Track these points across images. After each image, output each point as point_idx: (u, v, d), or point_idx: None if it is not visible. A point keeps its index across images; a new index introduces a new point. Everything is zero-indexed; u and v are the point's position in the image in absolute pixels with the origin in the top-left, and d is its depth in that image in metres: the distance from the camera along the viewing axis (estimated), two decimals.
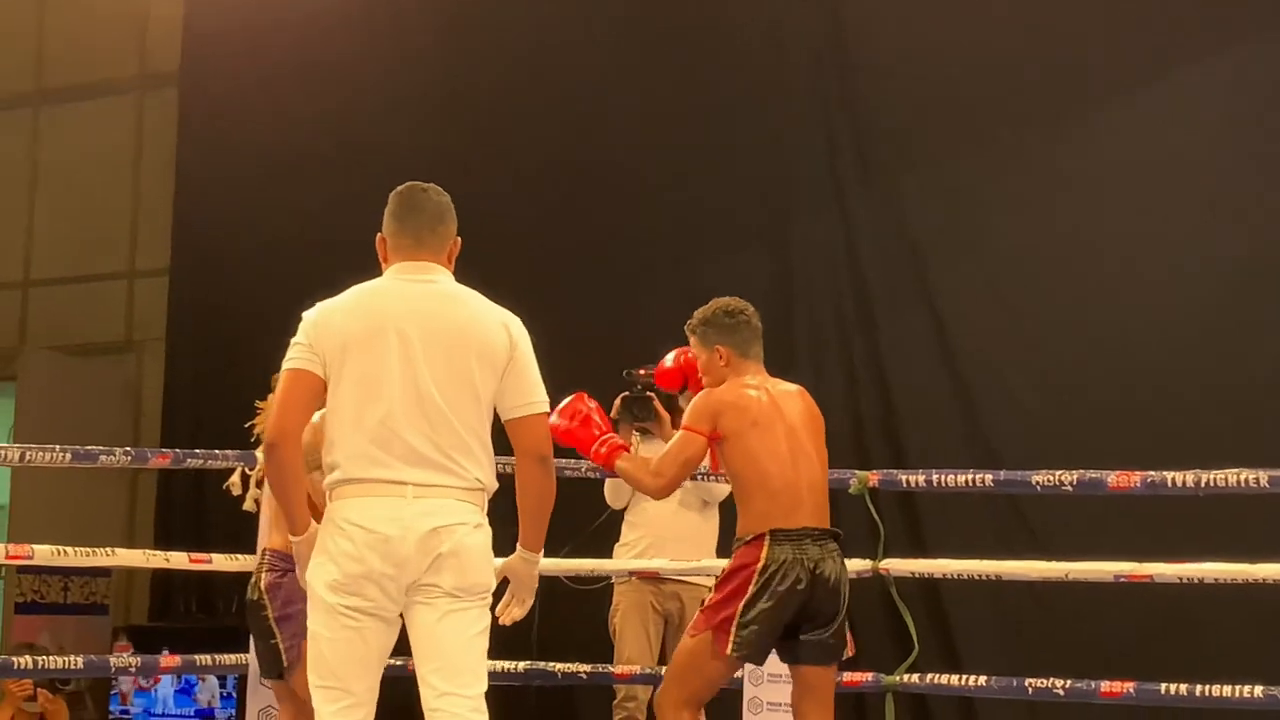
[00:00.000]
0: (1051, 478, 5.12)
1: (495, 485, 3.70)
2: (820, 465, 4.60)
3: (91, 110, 10.47)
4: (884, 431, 7.32)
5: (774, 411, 4.57)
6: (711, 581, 5.74)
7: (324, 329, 3.66)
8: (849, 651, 4.58)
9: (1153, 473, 4.99)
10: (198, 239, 9.48)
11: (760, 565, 4.41)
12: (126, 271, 10.45)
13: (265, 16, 9.06)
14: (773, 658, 4.64)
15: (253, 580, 4.80)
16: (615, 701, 5.94)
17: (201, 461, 5.60)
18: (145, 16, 10.23)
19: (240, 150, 9.14)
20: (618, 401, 5.91)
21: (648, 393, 5.88)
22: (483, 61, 8.49)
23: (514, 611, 3.83)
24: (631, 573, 5.92)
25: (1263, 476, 4.83)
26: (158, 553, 6.20)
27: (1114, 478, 5.03)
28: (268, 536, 4.92)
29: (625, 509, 6.08)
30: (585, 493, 5.99)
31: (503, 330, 3.68)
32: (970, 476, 5.27)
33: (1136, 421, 6.75)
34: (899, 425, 7.27)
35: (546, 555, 4.87)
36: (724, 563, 5.71)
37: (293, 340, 3.71)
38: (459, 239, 3.82)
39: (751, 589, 4.39)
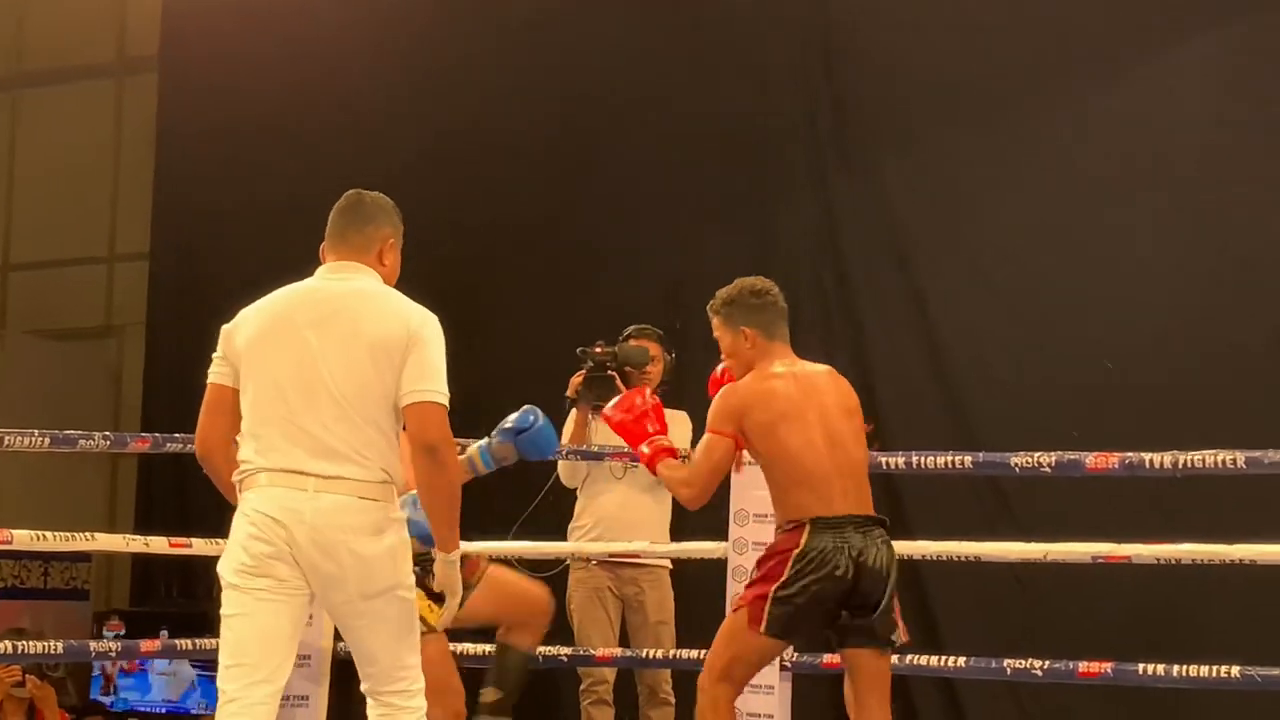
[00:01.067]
0: (1030, 459, 5.13)
1: (403, 474, 3.73)
2: (858, 449, 4.48)
3: (71, 94, 10.44)
4: (865, 413, 7.32)
5: (804, 399, 4.45)
6: (666, 562, 5.85)
7: (232, 336, 3.83)
8: (902, 637, 4.45)
9: (1131, 454, 5.00)
10: (177, 223, 9.47)
11: (798, 551, 4.30)
12: (106, 256, 10.43)
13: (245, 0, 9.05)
14: None
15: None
16: (583, 687, 5.93)
17: (181, 446, 5.57)
18: (124, 0, 10.21)
19: (220, 134, 9.12)
20: (579, 381, 5.88)
21: (608, 370, 5.83)
22: (468, 42, 8.47)
23: (444, 614, 3.93)
24: (586, 559, 5.90)
25: (1240, 458, 4.84)
26: (138, 537, 6.19)
27: (1092, 459, 5.04)
28: None
29: (579, 489, 6.04)
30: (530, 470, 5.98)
31: (401, 324, 3.71)
32: (950, 458, 5.28)
33: (1117, 403, 6.78)
34: (880, 407, 7.27)
35: (496, 538, 4.91)
36: (676, 546, 5.79)
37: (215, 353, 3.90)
38: (392, 241, 3.90)
39: (787, 572, 4.30)
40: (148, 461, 9.29)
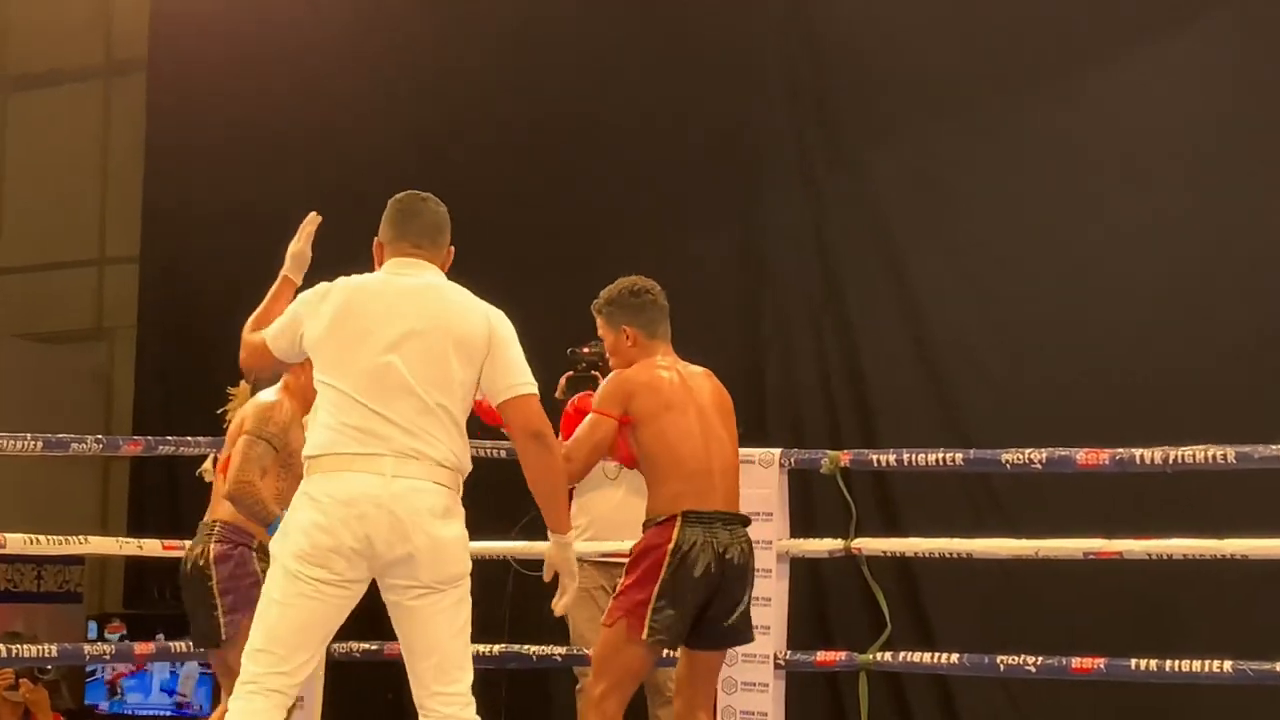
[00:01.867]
0: (1021, 456, 5.14)
1: (469, 467, 3.79)
2: (732, 448, 4.56)
3: (60, 97, 10.44)
4: (855, 411, 7.34)
5: (685, 393, 4.52)
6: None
7: (310, 308, 3.85)
8: (751, 640, 4.56)
9: (1121, 450, 5.01)
10: (167, 226, 9.46)
11: (671, 546, 4.35)
12: (96, 259, 10.42)
13: (234, 1, 9.04)
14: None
15: (198, 549, 4.76)
16: (578, 687, 5.93)
17: (174, 448, 5.60)
18: (112, 3, 10.20)
19: (209, 136, 9.11)
20: (563, 381, 5.88)
21: (592, 371, 5.84)
22: (457, 47, 8.48)
23: (565, 599, 3.94)
24: (580, 558, 5.89)
25: (1230, 453, 4.86)
26: (131, 540, 6.19)
27: (1083, 455, 5.05)
28: (216, 508, 4.90)
29: (573, 492, 6.04)
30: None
31: (483, 319, 3.82)
32: (940, 455, 5.29)
33: (1107, 399, 6.79)
34: (870, 404, 7.29)
35: (498, 538, 4.93)
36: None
37: (288, 309, 3.95)
38: (453, 249, 3.99)
39: (664, 572, 4.34)
40: (140, 464, 9.28)
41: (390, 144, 8.35)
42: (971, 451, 5.42)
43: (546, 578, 3.89)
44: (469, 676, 3.73)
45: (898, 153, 7.46)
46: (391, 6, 8.66)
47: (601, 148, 8.07)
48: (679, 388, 4.53)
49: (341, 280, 3.89)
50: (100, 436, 5.70)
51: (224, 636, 4.65)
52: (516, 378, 3.82)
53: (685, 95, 7.91)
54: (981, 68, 7.28)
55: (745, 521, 4.52)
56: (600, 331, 4.74)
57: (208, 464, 5.57)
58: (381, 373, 3.71)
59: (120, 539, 6.48)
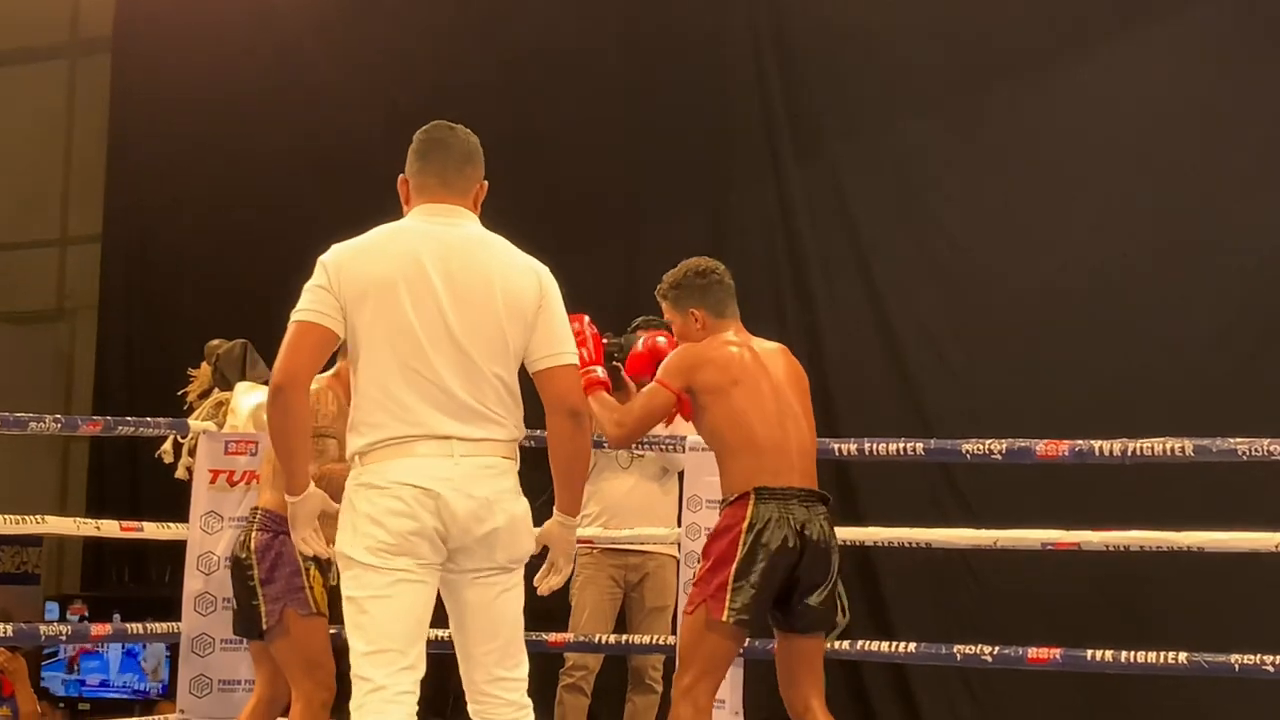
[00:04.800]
0: (981, 447, 5.15)
1: (524, 432, 3.52)
2: (809, 426, 4.39)
3: (23, 76, 10.37)
4: (818, 399, 7.32)
5: (758, 369, 4.36)
6: (673, 550, 5.71)
7: (346, 274, 3.42)
8: (843, 618, 4.33)
9: (1080, 442, 5.03)
10: (130, 206, 9.43)
11: (746, 523, 4.18)
12: (59, 238, 10.37)
13: None
14: None
15: (241, 538, 4.70)
16: (563, 669, 5.92)
17: (133, 429, 5.57)
18: None
19: (174, 117, 9.08)
20: None
21: (614, 362, 5.81)
22: (428, 23, 8.46)
23: (552, 580, 3.63)
24: (591, 545, 5.86)
25: (1188, 445, 4.88)
26: (89, 521, 6.15)
27: (1042, 446, 5.07)
28: (260, 494, 4.84)
29: (588, 478, 6.01)
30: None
31: (534, 277, 3.52)
32: (901, 445, 5.29)
33: (1069, 392, 6.82)
34: (833, 393, 7.30)
35: None
36: (628, 532, 5.69)
37: (308, 284, 3.45)
38: (485, 183, 3.66)
39: (741, 550, 4.17)
40: (99, 445, 9.25)
41: (357, 122, 8.33)
42: (932, 441, 5.43)
43: (535, 550, 3.55)
44: (527, 664, 3.51)
45: (866, 144, 7.48)
46: None
47: (571, 137, 8.07)
48: (749, 363, 4.37)
49: (370, 233, 3.50)
50: (59, 416, 5.63)
51: (265, 625, 4.60)
52: (562, 345, 3.51)
53: (655, 85, 7.92)
54: (951, 60, 7.30)
55: (825, 499, 4.33)
56: (667, 316, 4.57)
57: (167, 445, 5.54)
58: (436, 340, 3.39)
59: (78, 519, 6.43)
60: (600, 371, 4.50)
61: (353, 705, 3.38)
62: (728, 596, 4.16)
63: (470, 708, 3.50)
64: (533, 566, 3.62)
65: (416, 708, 3.38)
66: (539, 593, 3.65)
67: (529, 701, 3.50)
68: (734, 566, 4.17)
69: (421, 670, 3.39)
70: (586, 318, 4.56)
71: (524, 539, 3.47)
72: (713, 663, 4.24)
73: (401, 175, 3.61)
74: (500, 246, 3.55)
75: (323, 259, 3.46)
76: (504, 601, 3.45)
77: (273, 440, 3.51)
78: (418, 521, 3.35)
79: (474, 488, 3.38)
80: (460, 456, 3.38)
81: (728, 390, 4.32)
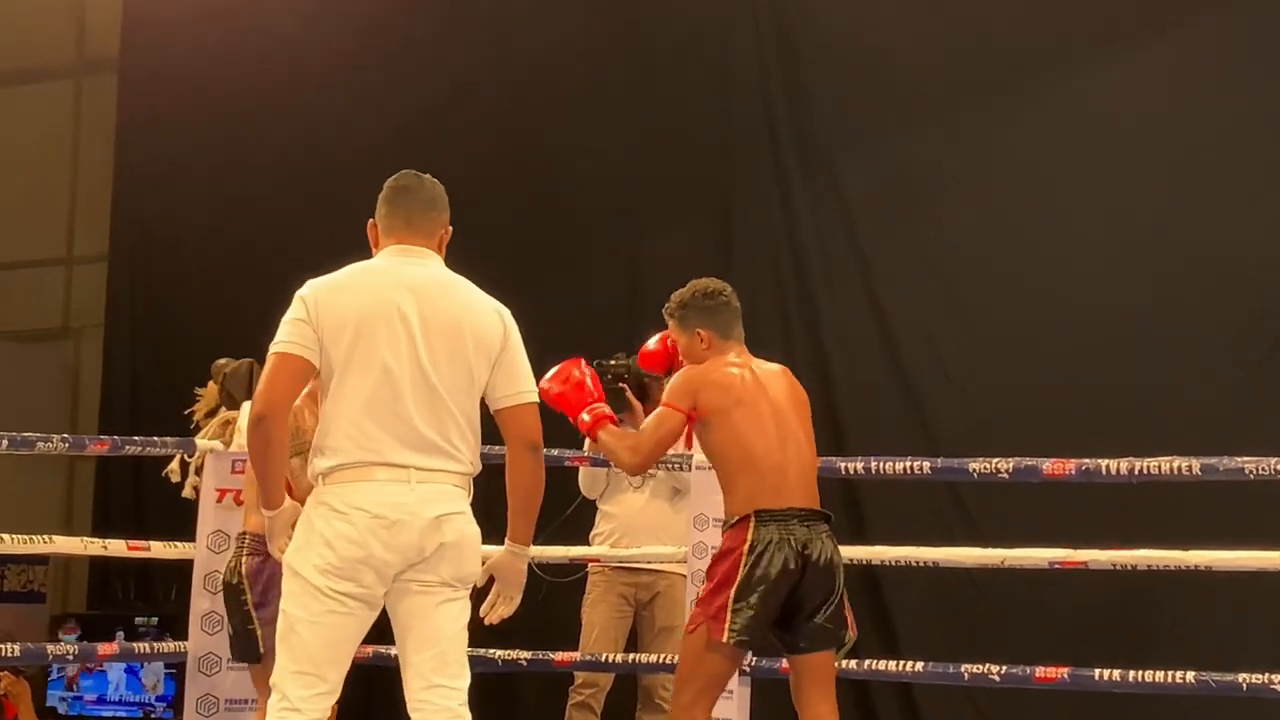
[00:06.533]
0: (988, 465, 5.15)
1: (480, 467, 3.72)
2: (809, 447, 4.48)
3: (29, 95, 10.39)
4: (824, 416, 7.33)
5: (758, 390, 4.46)
6: (684, 569, 5.67)
7: (324, 308, 3.63)
8: (851, 633, 4.41)
9: (1088, 460, 5.02)
10: (137, 225, 9.43)
11: (747, 546, 4.28)
12: (65, 258, 10.37)
13: (205, 0, 9.01)
14: None
15: (231, 564, 4.72)
16: (573, 686, 5.91)
17: (140, 448, 5.57)
18: (84, 1, 10.16)
19: (180, 136, 9.09)
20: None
21: (619, 384, 5.82)
22: (429, 42, 8.47)
23: (501, 610, 3.79)
24: (603, 563, 5.88)
25: (1195, 464, 4.87)
26: (96, 540, 6.15)
27: (1049, 465, 5.06)
28: (245, 518, 4.85)
29: (599, 498, 6.04)
30: (562, 480, 6.00)
31: (497, 318, 3.73)
32: (908, 464, 5.29)
33: (1075, 407, 6.81)
34: (838, 411, 7.30)
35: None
36: (635, 551, 5.72)
37: (286, 317, 3.66)
38: (450, 228, 3.84)
39: (741, 572, 4.26)
40: (105, 464, 9.24)
41: (366, 143, 8.33)
42: (939, 460, 5.43)
43: (481, 582, 3.74)
44: (468, 677, 3.64)
45: (871, 157, 7.48)
46: (368, 4, 8.65)
47: (572, 148, 8.08)
48: (750, 384, 4.46)
49: (345, 270, 3.72)
50: (66, 435, 5.64)
51: (262, 650, 4.62)
52: (524, 384, 3.74)
53: (659, 96, 7.93)
54: (955, 74, 7.30)
55: (827, 518, 4.40)
56: (673, 335, 4.67)
57: (174, 464, 5.55)
58: (406, 376, 3.61)
59: (85, 539, 6.43)
60: (604, 408, 4.64)
61: (268, 711, 3.57)
62: (728, 618, 4.26)
63: (411, 716, 3.64)
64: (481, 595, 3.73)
65: None
66: (487, 622, 3.78)
67: (468, 714, 3.63)
68: (734, 588, 4.27)
69: (337, 694, 3.58)
70: (583, 360, 4.73)
71: (471, 559, 3.64)
72: (712, 681, 4.36)
73: (371, 220, 3.83)
74: (466, 287, 3.76)
75: (301, 293, 3.67)
76: (443, 611, 3.61)
77: (253, 464, 3.73)
78: (366, 550, 3.54)
79: (426, 509, 3.57)
80: (416, 483, 3.58)
81: (729, 411, 4.42)
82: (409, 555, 3.56)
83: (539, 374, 5.70)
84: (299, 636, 3.56)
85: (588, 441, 5.06)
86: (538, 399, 3.77)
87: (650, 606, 5.87)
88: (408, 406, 3.59)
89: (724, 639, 4.26)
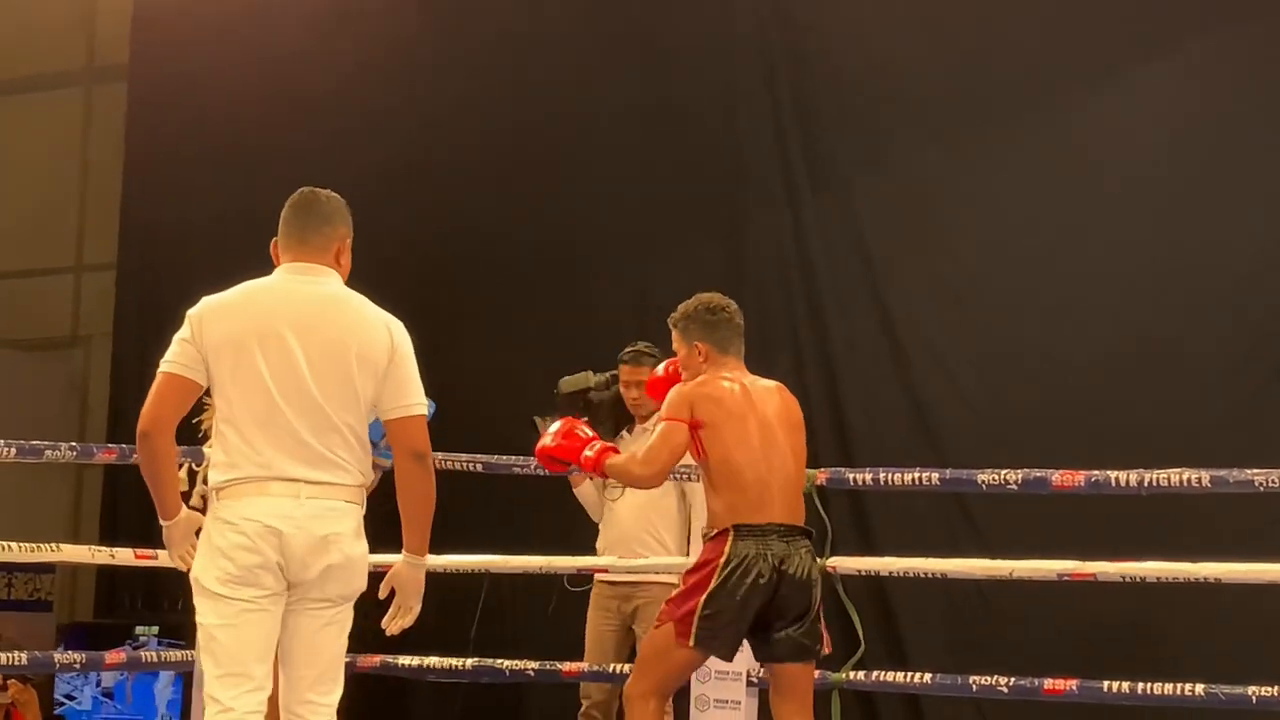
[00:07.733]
0: (996, 477, 5.15)
1: (371, 477, 3.84)
2: (795, 462, 4.61)
3: (39, 103, 10.41)
4: (833, 429, 7.34)
5: (747, 404, 4.59)
6: (671, 578, 5.72)
7: (207, 328, 3.79)
8: (825, 649, 4.60)
9: (1096, 472, 5.02)
10: (146, 233, 9.43)
11: (722, 560, 4.44)
12: (74, 266, 10.39)
13: (215, 9, 9.02)
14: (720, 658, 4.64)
15: None
16: (582, 710, 5.95)
17: None
18: (94, 9, 10.17)
19: (189, 144, 9.09)
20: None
21: (604, 392, 5.87)
22: (438, 55, 8.47)
23: (401, 620, 3.88)
24: (593, 577, 5.96)
25: (1205, 477, 4.87)
26: (103, 548, 6.16)
27: (1058, 477, 5.07)
28: None
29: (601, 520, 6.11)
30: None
31: (385, 332, 3.81)
32: (917, 475, 5.30)
33: (1084, 427, 6.79)
34: (847, 423, 7.30)
35: (533, 553, 4.89)
36: (639, 562, 5.81)
37: (175, 336, 3.83)
38: (348, 240, 3.92)
39: (713, 583, 4.43)
40: (113, 472, 9.24)
41: (371, 152, 8.34)
42: (948, 471, 5.43)
43: (383, 594, 3.83)
44: (340, 691, 3.79)
45: (882, 173, 7.48)
46: (375, 15, 8.65)
47: (585, 162, 8.07)
48: (740, 398, 4.60)
49: (237, 288, 3.87)
50: (74, 444, 5.66)
51: None
52: (411, 397, 3.81)
53: (670, 112, 7.92)
54: (967, 90, 7.30)
55: (807, 534, 4.56)
56: (674, 345, 4.81)
57: (181, 474, 5.54)
58: (288, 392, 3.72)
59: (93, 547, 6.45)
60: (601, 443, 4.82)
61: None
62: (694, 624, 4.45)
63: None
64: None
65: None
66: (388, 633, 3.88)
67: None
68: (704, 596, 4.45)
69: (268, 689, 3.70)
70: (578, 423, 4.92)
71: (359, 577, 3.77)
72: (669, 676, 4.59)
73: (274, 238, 3.95)
74: (355, 303, 3.85)
75: (190, 312, 3.85)
76: (327, 633, 3.76)
77: (144, 477, 3.86)
78: (261, 556, 3.67)
79: (315, 527, 3.69)
80: (306, 498, 3.70)
81: (719, 425, 4.56)
82: (297, 565, 3.68)
83: (544, 382, 5.76)
84: (218, 642, 3.68)
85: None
86: (425, 411, 3.84)
87: (634, 618, 5.91)
88: (292, 421, 3.70)
89: (689, 643, 4.45)
